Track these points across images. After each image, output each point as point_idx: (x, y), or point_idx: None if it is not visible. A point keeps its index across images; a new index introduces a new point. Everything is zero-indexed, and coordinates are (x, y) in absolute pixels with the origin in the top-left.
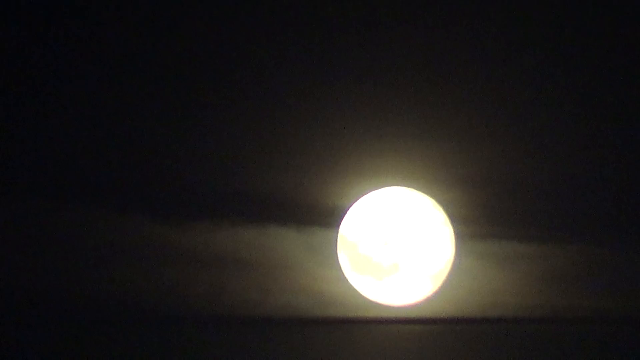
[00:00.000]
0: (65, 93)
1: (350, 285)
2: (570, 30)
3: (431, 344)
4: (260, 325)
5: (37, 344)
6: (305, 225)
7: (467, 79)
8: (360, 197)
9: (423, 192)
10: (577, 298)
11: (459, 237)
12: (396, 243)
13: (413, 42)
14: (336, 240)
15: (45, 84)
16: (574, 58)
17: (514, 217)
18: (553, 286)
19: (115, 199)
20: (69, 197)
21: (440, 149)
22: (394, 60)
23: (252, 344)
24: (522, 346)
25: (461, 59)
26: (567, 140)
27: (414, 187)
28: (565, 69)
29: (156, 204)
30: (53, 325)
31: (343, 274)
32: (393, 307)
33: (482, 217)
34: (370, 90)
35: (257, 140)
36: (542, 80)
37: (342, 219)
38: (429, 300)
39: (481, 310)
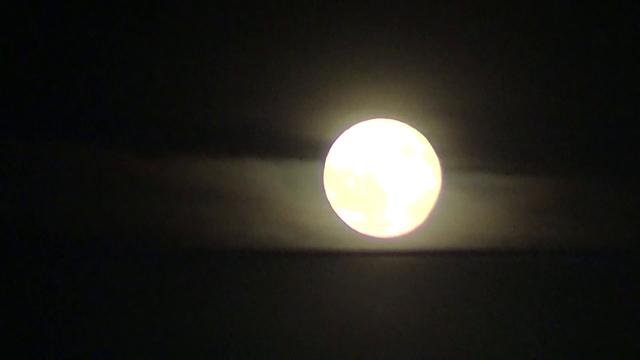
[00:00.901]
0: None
1: (336, 218)
2: None
3: (418, 276)
4: (241, 258)
5: (15, 279)
6: (289, 157)
7: (452, 8)
8: (346, 130)
9: (409, 124)
10: (562, 230)
11: (445, 169)
12: (383, 176)
13: None
14: (322, 173)
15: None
16: None
17: (500, 149)
18: (539, 218)
19: (90, 131)
20: (42, 129)
21: (426, 80)
22: None
23: (232, 276)
24: (509, 277)
25: None
26: (555, 72)
27: (399, 119)
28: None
29: (133, 136)
30: (28, 259)
31: (329, 207)
32: (380, 240)
33: (467, 150)
34: (353, 18)
35: (237, 71)
36: (531, 6)
37: (328, 151)
38: (415, 232)
39: (468, 242)
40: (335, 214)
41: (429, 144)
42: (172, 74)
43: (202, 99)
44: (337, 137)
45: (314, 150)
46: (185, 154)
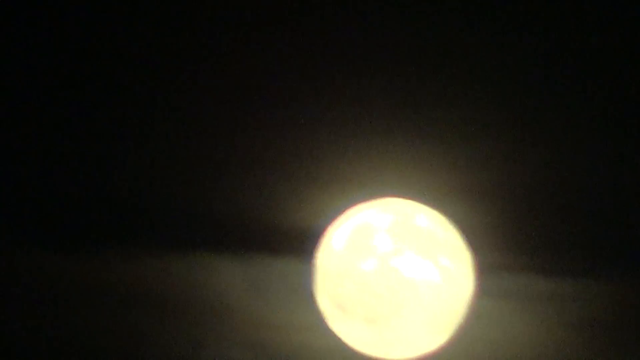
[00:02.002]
0: None
1: (331, 334)
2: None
3: None
4: None
5: None
6: (263, 253)
7: (483, 53)
8: (342, 213)
9: (430, 205)
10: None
11: (480, 269)
12: (394, 277)
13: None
14: (310, 273)
15: None
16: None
17: (554, 243)
18: (599, 337)
19: None
20: None
21: (455, 149)
22: (382, 37)
23: None
24: None
25: (469, 33)
26: (617, 147)
27: (417, 199)
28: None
29: (46, 225)
30: None
31: (320, 320)
32: None
33: (511, 243)
34: (354, 61)
35: (189, 138)
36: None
37: (319, 244)
38: (438, 354)
39: None
40: (330, 329)
41: (458, 233)
42: (90, 141)
43: (137, 174)
44: (331, 224)
45: (299, 243)
46: (117, 248)
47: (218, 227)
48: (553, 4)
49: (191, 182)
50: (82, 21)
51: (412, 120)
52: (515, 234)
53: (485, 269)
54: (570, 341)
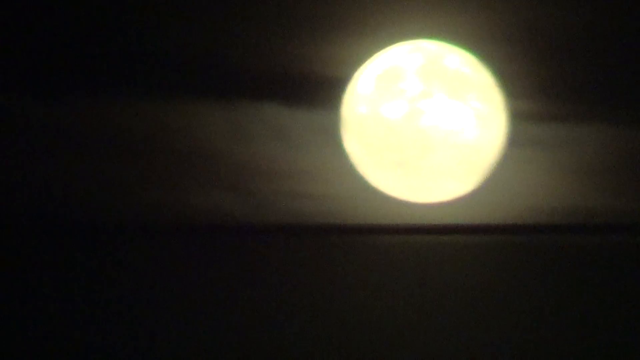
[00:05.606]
0: None
1: (360, 177)
2: None
3: (467, 259)
4: (219, 237)
5: None
6: (290, 102)
7: None
8: (372, 58)
9: (461, 47)
10: None
11: (513, 115)
12: (422, 120)
13: None
14: (338, 119)
15: None
16: None
17: (598, 89)
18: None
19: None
20: None
21: None
22: None
23: (222, 258)
24: (592, 261)
25: None
26: None
27: (447, 40)
28: None
29: (33, 70)
30: None
31: (349, 164)
32: (418, 206)
33: (549, 88)
34: None
35: None
36: None
37: (345, 88)
38: (467, 198)
39: (538, 215)
40: (358, 173)
41: (490, 76)
42: None
43: (127, 16)
44: (358, 69)
45: (326, 90)
46: (104, 94)
47: (249, 81)
48: None
49: (200, 26)
50: None
51: None
52: (549, 80)
53: (516, 116)
54: (595, 187)
